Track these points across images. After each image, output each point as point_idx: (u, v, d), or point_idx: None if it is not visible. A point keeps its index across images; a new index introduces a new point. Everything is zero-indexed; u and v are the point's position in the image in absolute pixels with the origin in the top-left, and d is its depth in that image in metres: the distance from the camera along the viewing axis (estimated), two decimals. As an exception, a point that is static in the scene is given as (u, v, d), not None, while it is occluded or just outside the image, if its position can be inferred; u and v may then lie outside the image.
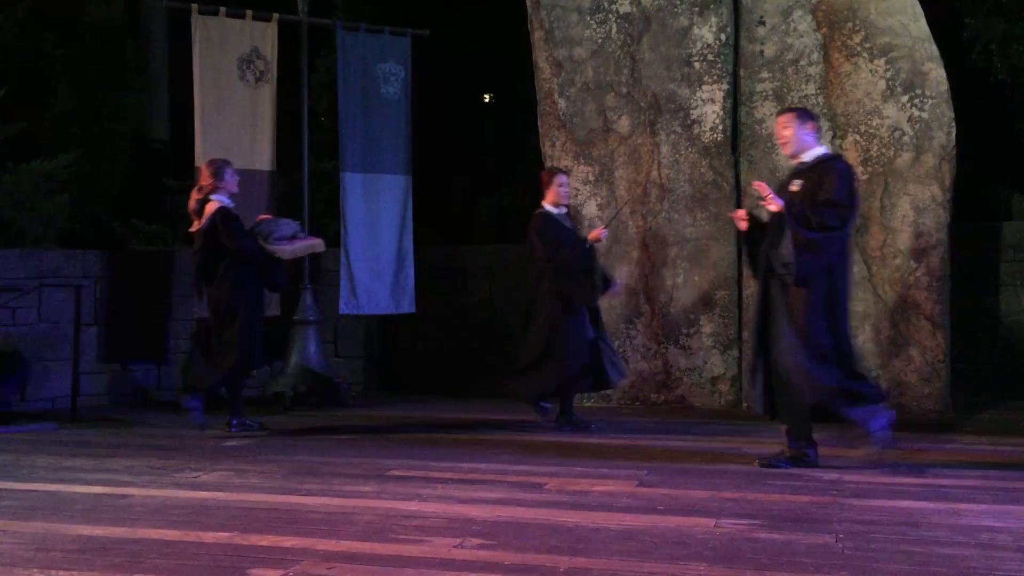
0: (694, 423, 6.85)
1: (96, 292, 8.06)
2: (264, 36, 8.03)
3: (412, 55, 8.61)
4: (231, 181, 6.41)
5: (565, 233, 6.43)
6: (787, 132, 5.14)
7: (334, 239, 8.56)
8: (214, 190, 6.34)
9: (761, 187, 5.04)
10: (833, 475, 4.81)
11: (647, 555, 3.39)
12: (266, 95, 8.02)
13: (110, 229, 9.14)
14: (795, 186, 5.06)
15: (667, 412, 7.34)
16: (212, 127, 7.84)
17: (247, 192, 7.88)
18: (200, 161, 7.78)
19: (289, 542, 3.57)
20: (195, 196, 6.38)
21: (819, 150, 5.16)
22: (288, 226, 6.61)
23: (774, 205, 4.93)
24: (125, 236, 9.12)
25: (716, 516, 3.95)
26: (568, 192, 6.61)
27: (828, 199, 4.90)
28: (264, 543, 3.57)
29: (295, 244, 6.54)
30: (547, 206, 6.48)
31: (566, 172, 6.86)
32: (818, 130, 5.23)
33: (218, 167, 6.40)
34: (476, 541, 3.57)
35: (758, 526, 3.78)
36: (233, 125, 7.90)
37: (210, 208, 6.29)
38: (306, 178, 8.17)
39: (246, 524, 3.85)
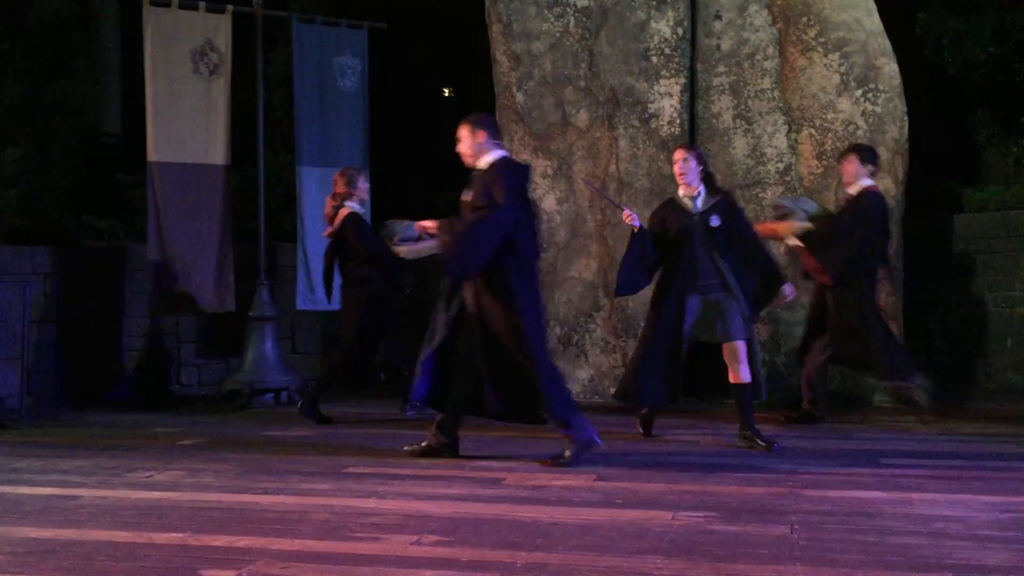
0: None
1: (45, 289, 7.90)
2: (217, 28, 7.91)
3: (370, 48, 8.54)
4: (363, 188, 6.86)
5: (681, 218, 5.48)
6: (462, 147, 5.03)
7: (290, 234, 8.47)
8: (348, 197, 6.70)
9: (426, 225, 5.21)
10: (788, 466, 4.86)
11: (605, 549, 3.39)
12: (220, 88, 7.90)
13: (61, 225, 8.94)
14: (466, 196, 5.00)
15: (625, 406, 7.32)
16: (165, 121, 7.72)
17: (201, 187, 7.80)
18: (152, 155, 7.68)
19: (243, 542, 3.52)
20: (330, 203, 6.75)
21: (492, 156, 4.96)
22: (412, 228, 6.86)
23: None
24: (76, 232, 8.93)
25: (673, 509, 3.96)
26: (681, 169, 5.50)
27: (476, 205, 4.87)
28: (217, 543, 3.51)
29: (420, 244, 6.75)
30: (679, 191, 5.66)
31: (687, 147, 5.76)
32: (494, 135, 5.01)
33: (351, 176, 6.76)
34: (433, 538, 3.55)
35: (715, 518, 3.80)
36: (186, 119, 7.78)
37: (342, 214, 6.64)
38: (261, 172, 8.07)
39: (199, 524, 3.79)
